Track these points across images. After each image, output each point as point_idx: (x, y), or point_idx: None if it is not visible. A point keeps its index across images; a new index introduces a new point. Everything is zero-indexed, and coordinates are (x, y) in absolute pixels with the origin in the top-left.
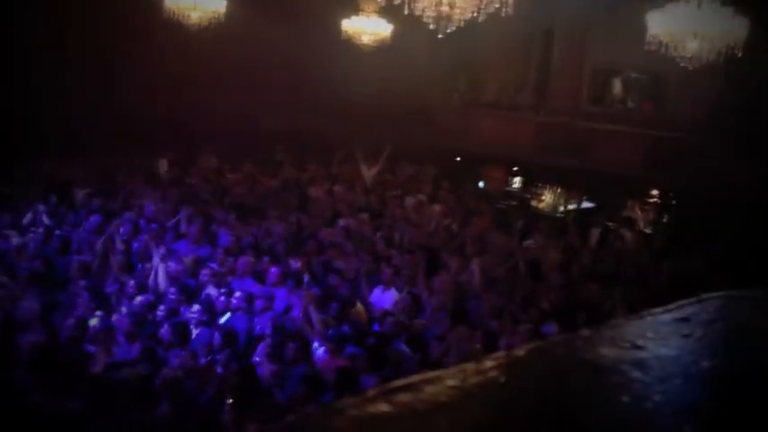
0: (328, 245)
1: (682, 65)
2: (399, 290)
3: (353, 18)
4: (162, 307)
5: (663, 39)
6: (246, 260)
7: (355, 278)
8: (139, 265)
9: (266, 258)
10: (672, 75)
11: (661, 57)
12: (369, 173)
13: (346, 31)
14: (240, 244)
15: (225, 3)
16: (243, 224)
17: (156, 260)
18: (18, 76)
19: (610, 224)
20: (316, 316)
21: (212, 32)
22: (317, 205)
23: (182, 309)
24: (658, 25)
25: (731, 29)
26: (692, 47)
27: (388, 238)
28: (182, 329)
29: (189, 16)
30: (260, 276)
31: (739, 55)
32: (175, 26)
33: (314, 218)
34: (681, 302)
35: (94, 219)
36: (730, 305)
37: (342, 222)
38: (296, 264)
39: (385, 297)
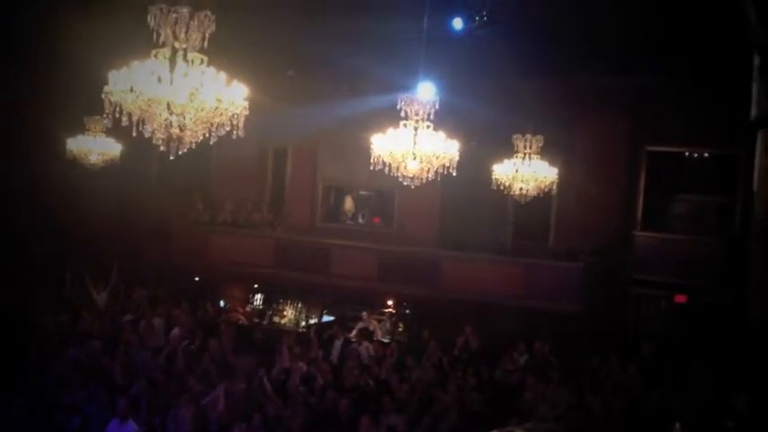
0: (56, 379)
1: (405, 183)
2: (139, 422)
3: (79, 137)
4: None
5: (385, 159)
6: None
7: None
8: None
9: None
10: (396, 192)
11: (386, 176)
12: (100, 297)
13: (71, 151)
14: None
15: None
16: None
17: None
18: None
19: (350, 336)
20: None
21: None
22: (46, 336)
23: None
24: (381, 147)
25: (446, 150)
26: (412, 166)
27: (125, 365)
28: None
29: None
30: None
31: (454, 174)
32: None
33: (40, 350)
34: None
35: None
36: None
37: (71, 353)
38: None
39: (123, 430)
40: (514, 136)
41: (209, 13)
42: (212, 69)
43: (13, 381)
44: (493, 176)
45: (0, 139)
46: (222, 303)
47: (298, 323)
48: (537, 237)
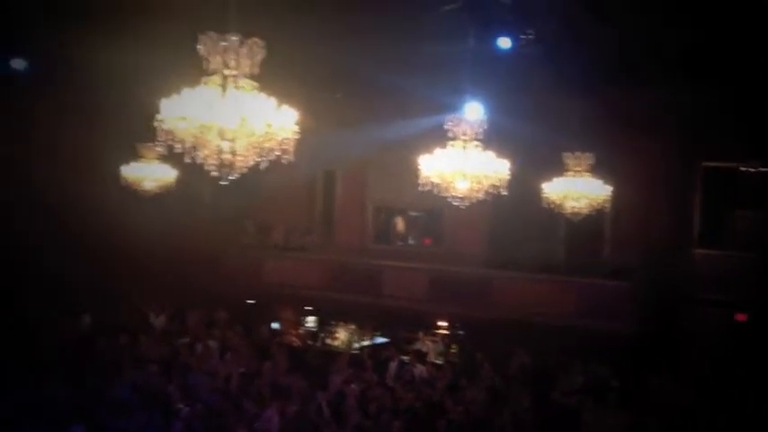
0: (114, 403)
1: (455, 203)
2: None
3: (133, 164)
4: None
5: (434, 180)
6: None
7: None
8: None
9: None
10: (446, 212)
11: (435, 196)
12: (157, 320)
13: (126, 178)
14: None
15: None
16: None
17: None
18: None
19: (404, 358)
20: None
21: None
22: (102, 359)
23: None
24: (429, 168)
25: (496, 170)
26: (461, 187)
27: (182, 389)
28: None
29: None
30: None
31: (505, 193)
32: None
33: (99, 373)
34: None
35: None
36: None
37: (130, 377)
38: (78, 429)
39: None
40: (564, 154)
41: (258, 40)
42: (262, 95)
43: (73, 403)
44: (543, 195)
45: (58, 167)
46: (275, 326)
47: (350, 345)
48: (590, 255)
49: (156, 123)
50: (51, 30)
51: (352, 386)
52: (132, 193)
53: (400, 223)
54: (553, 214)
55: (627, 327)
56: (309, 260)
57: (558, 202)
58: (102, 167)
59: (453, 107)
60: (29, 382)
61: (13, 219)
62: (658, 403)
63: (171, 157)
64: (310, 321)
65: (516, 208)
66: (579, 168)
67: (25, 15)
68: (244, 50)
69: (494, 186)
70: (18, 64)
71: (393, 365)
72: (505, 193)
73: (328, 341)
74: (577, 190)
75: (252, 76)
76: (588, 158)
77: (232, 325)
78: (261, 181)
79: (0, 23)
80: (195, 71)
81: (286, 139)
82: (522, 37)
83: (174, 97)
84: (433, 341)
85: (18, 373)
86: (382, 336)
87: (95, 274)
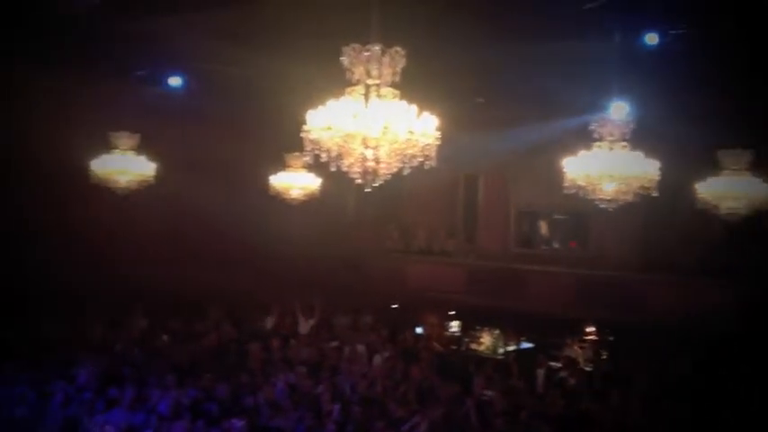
0: (267, 403)
1: (602, 206)
2: None
3: (281, 174)
4: None
5: (579, 182)
6: (182, 425)
7: None
8: None
9: (201, 421)
10: (593, 215)
11: (581, 198)
12: (306, 325)
13: (274, 187)
14: (178, 407)
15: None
16: (180, 386)
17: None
18: None
19: (553, 364)
20: None
21: (139, 195)
22: (255, 362)
23: None
24: (574, 170)
25: (645, 170)
26: (608, 189)
27: (330, 391)
28: None
29: (117, 181)
30: None
31: (655, 194)
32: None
33: (254, 375)
34: None
35: (20, 390)
36: None
37: (281, 378)
38: (238, 423)
39: None
40: (720, 152)
41: (399, 49)
42: (404, 102)
43: (232, 400)
44: (697, 195)
45: (211, 179)
46: (419, 330)
47: (495, 350)
48: (754, 258)
49: (303, 134)
50: (206, 48)
51: (499, 392)
52: (280, 202)
53: (544, 226)
54: (708, 215)
55: None
56: (452, 264)
57: (713, 202)
58: (253, 177)
59: (598, 107)
60: (187, 382)
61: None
62: None
63: (316, 165)
64: (454, 326)
65: (668, 209)
66: (737, 167)
67: (181, 36)
68: (385, 60)
69: (643, 188)
70: (175, 81)
71: (541, 372)
72: (656, 194)
73: (473, 346)
74: (736, 189)
75: (393, 85)
76: (747, 156)
77: (377, 329)
78: (403, 186)
79: (159, 45)
80: (339, 82)
81: (428, 144)
82: (671, 32)
83: (320, 108)
84: (582, 347)
85: (180, 373)
86: (527, 341)
87: (246, 282)
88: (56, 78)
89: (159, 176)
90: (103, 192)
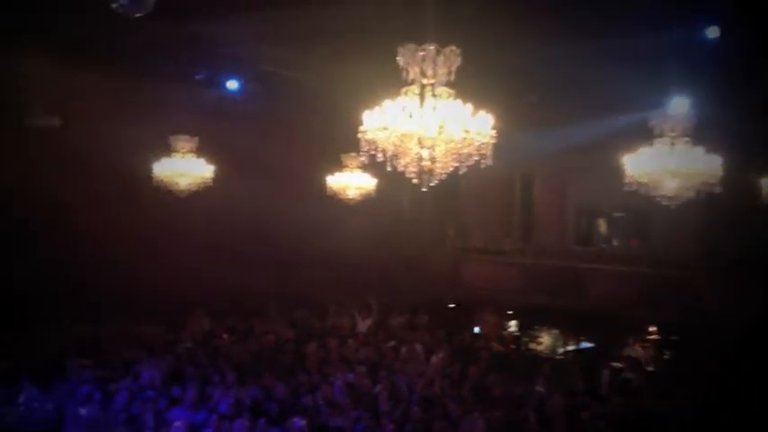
0: (326, 402)
1: (663, 203)
2: None
3: (337, 174)
4: None
5: (640, 180)
6: (243, 424)
7: None
8: None
9: (262, 420)
10: (654, 212)
11: (640, 196)
12: (363, 324)
13: (331, 187)
14: (239, 406)
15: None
16: (240, 385)
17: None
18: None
19: (616, 365)
20: None
21: (197, 199)
22: (314, 362)
23: None
24: (635, 167)
25: (707, 166)
26: (670, 185)
27: (388, 390)
28: None
29: (177, 183)
30: None
31: (718, 191)
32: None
33: (311, 375)
34: None
35: (85, 389)
36: None
37: (340, 378)
38: (300, 423)
39: None
40: None
41: (454, 48)
42: (459, 101)
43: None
44: (762, 191)
45: (267, 181)
46: (477, 329)
47: (554, 350)
48: None
49: (359, 134)
50: (263, 51)
51: (558, 392)
52: (337, 203)
53: (603, 224)
54: None
55: None
56: (509, 263)
57: None
58: (310, 179)
59: (657, 103)
60: (247, 381)
61: (228, 232)
62: None
63: (372, 165)
64: (512, 325)
65: (730, 206)
66: None
67: (237, 39)
68: (440, 59)
69: (706, 184)
70: (232, 85)
71: (606, 373)
72: (719, 190)
73: (532, 346)
74: None
75: (448, 84)
76: None
77: (434, 328)
78: (459, 185)
79: (216, 48)
80: (395, 83)
81: (483, 143)
82: (729, 24)
83: (376, 109)
84: (644, 347)
85: (241, 372)
86: (587, 341)
87: (303, 282)
88: (118, 81)
89: (217, 179)
90: (163, 194)
